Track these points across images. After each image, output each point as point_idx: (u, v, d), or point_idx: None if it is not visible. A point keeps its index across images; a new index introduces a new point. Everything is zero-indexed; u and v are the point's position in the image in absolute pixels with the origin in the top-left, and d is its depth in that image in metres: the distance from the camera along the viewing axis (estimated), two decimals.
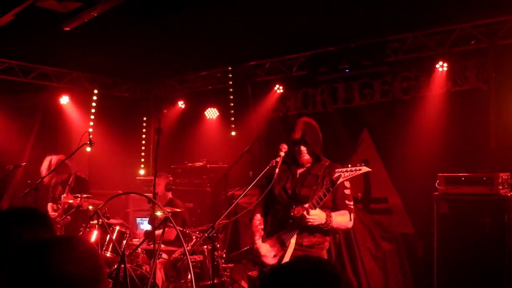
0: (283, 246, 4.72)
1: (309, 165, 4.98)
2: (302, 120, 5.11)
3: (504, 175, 6.91)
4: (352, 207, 4.89)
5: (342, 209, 4.84)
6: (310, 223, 4.58)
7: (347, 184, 4.83)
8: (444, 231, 7.13)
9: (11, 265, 1.95)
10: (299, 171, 5.00)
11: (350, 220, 4.85)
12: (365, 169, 4.52)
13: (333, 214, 4.74)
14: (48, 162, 8.33)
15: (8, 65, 10.45)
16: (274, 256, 4.79)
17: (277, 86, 10.38)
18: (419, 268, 7.93)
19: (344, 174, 4.51)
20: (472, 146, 7.86)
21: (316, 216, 4.58)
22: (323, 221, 4.63)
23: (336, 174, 4.53)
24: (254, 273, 6.98)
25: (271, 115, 10.50)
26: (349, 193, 4.90)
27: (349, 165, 4.56)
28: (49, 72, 11.16)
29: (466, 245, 6.91)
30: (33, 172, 8.80)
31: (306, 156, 4.94)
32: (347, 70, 9.23)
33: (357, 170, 4.50)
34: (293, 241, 4.70)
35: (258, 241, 4.95)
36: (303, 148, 4.92)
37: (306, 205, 4.63)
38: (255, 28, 8.44)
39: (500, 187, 6.78)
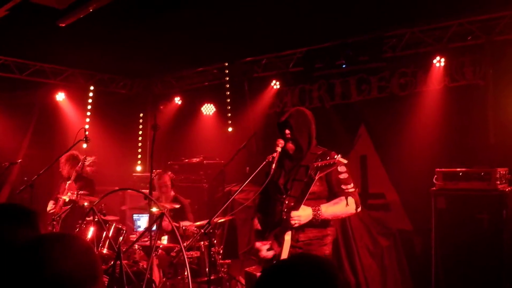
0: (280, 243, 4.56)
1: (292, 153, 4.81)
2: (294, 107, 5.04)
3: (502, 170, 6.90)
4: (350, 190, 4.62)
5: (339, 195, 4.61)
6: (297, 225, 4.45)
7: (340, 169, 4.61)
8: (442, 227, 7.10)
9: (4, 263, 1.92)
10: (291, 163, 4.83)
11: (347, 205, 4.57)
12: (341, 160, 4.35)
13: (323, 206, 4.54)
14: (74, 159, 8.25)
15: (4, 62, 10.41)
16: (269, 249, 4.70)
17: (274, 82, 10.39)
18: (417, 264, 7.92)
19: (321, 168, 4.35)
20: (470, 142, 7.86)
21: (300, 216, 4.43)
22: (310, 217, 4.47)
23: (312, 170, 4.39)
24: (251, 269, 6.96)
25: (268, 111, 10.52)
26: (345, 176, 4.64)
27: (328, 157, 4.39)
28: (45, 69, 11.13)
29: (464, 240, 6.88)
30: (29, 169, 8.77)
31: (289, 143, 4.76)
32: (344, 66, 9.22)
33: (332, 162, 4.33)
34: (287, 237, 4.53)
35: (257, 242, 4.88)
36: (287, 132, 4.76)
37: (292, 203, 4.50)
38: (251, 24, 8.41)
39: (498, 183, 6.76)
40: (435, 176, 7.22)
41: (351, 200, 4.60)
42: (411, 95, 8.56)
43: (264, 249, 4.71)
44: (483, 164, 7.09)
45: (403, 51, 8.67)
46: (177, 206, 7.72)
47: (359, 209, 4.71)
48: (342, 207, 4.59)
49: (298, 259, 1.88)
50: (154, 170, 6.91)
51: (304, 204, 4.45)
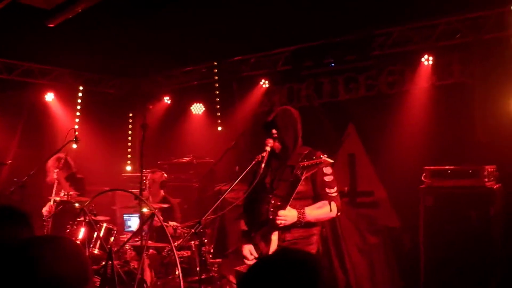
0: (267, 243, 4.59)
1: (278, 152, 4.83)
2: (280, 107, 5.07)
3: (489, 168, 6.95)
4: (333, 195, 4.67)
5: (322, 198, 4.65)
6: (282, 225, 4.47)
7: (326, 170, 4.65)
8: (430, 224, 7.15)
9: None
10: (277, 163, 4.86)
11: (331, 210, 4.63)
12: (326, 160, 4.41)
13: (307, 208, 4.57)
14: (56, 160, 8.20)
15: None
16: (255, 258, 4.72)
17: (263, 81, 10.40)
18: (405, 261, 7.95)
19: (307, 168, 4.40)
20: (458, 140, 7.89)
21: (286, 216, 4.46)
22: (295, 219, 4.50)
23: (299, 170, 4.43)
24: (242, 268, 6.97)
25: (256, 110, 10.51)
26: (330, 179, 4.69)
27: (313, 157, 4.44)
28: (33, 69, 11.07)
29: (452, 238, 6.92)
30: (19, 170, 8.73)
31: (276, 142, 4.79)
32: (332, 65, 9.24)
33: (318, 162, 4.38)
34: (274, 237, 4.56)
35: (243, 243, 4.91)
36: (274, 131, 4.78)
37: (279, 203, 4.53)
38: (239, 23, 8.41)
39: (486, 180, 6.81)
40: (424, 174, 7.26)
41: (333, 205, 4.65)
42: (399, 94, 8.59)
43: (250, 257, 4.75)
44: (471, 161, 7.14)
45: (391, 49, 8.69)
46: (165, 205, 7.74)
47: (339, 214, 4.77)
48: (325, 211, 4.65)
49: (282, 255, 1.92)
50: (144, 170, 6.92)
51: (290, 204, 4.49)
